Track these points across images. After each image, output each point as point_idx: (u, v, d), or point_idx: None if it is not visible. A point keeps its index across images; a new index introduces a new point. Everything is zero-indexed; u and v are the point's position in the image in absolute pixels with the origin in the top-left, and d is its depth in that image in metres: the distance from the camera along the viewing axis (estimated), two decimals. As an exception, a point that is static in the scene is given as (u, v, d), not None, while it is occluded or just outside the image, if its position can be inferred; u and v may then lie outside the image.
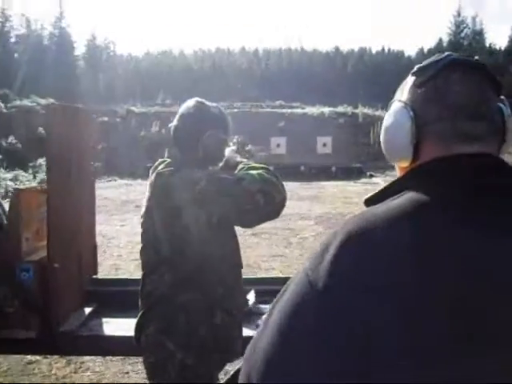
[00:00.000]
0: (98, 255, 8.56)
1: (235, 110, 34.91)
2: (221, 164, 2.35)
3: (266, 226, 10.99)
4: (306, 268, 0.92)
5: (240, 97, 48.83)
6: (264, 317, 0.96)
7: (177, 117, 2.37)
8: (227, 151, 2.42)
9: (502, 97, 1.05)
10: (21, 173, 20.07)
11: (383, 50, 74.60)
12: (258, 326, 2.75)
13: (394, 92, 1.13)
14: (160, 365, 2.16)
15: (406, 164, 1.05)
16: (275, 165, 26.10)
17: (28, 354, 4.21)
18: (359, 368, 0.82)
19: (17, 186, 16.78)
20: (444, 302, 0.81)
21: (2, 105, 28.75)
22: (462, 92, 0.99)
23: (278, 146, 27.86)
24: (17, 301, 2.95)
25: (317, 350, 0.86)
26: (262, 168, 2.23)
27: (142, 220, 2.29)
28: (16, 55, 56.40)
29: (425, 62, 1.05)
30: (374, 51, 74.61)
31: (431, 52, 66.48)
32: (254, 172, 2.17)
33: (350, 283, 0.86)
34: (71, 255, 3.16)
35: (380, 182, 22.46)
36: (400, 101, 1.06)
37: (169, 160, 2.29)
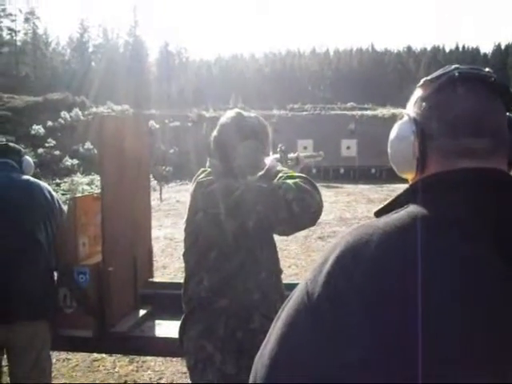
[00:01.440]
0: (166, 258, 8.86)
1: (304, 113, 34.88)
2: (260, 173, 2.39)
3: (335, 229, 10.99)
4: (307, 278, 0.95)
5: (311, 99, 48.69)
6: (273, 322, 1.00)
7: (217, 127, 2.42)
8: (269, 160, 2.46)
9: None
10: (96, 177, 20.77)
11: (457, 47, 72.53)
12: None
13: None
14: (200, 368, 2.22)
15: (411, 176, 1.06)
16: (345, 167, 26.11)
17: (86, 352, 4.42)
18: None
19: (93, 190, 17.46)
20: (426, 324, 0.81)
21: (80, 112, 29.93)
22: (464, 107, 0.98)
23: (349, 148, 27.53)
24: (75, 302, 3.13)
25: (306, 361, 0.88)
26: (299, 177, 2.24)
27: (184, 225, 2.38)
28: (93, 64, 58.53)
29: (432, 75, 1.05)
30: (447, 49, 72.66)
31: (510, 48, 64.12)
32: (290, 181, 2.18)
33: (339, 300, 0.88)
34: (126, 259, 3.29)
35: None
36: (406, 113, 1.06)
37: (209, 169, 2.35)
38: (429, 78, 1.05)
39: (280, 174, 2.32)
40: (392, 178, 23.51)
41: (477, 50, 70.11)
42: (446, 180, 0.97)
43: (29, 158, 3.35)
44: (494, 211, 0.91)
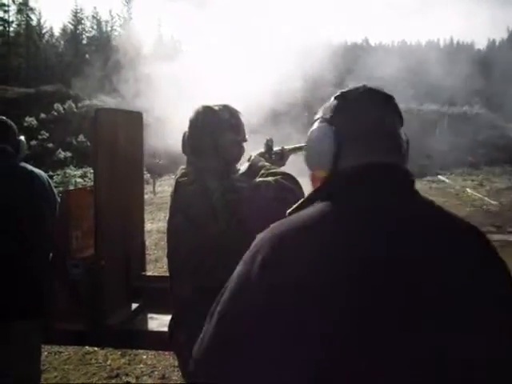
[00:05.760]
0: (159, 251, 8.84)
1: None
2: (242, 170, 2.34)
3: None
4: (240, 269, 1.11)
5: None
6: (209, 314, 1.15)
7: (188, 124, 2.34)
8: (253, 155, 2.42)
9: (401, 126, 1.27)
10: (89, 170, 20.73)
11: (452, 42, 72.55)
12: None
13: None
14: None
15: (324, 174, 1.22)
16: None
17: (78, 345, 4.42)
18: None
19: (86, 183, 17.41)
20: (332, 300, 0.97)
21: (73, 105, 29.78)
22: (371, 116, 1.21)
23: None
24: (67, 295, 3.12)
25: (241, 346, 1.02)
26: (280, 174, 2.21)
27: (167, 226, 2.34)
28: (87, 56, 58.10)
29: (345, 90, 1.27)
30: (442, 44, 72.63)
31: (503, 44, 64.07)
32: (271, 178, 2.16)
33: (268, 284, 1.02)
34: (119, 252, 3.29)
35: (445, 179, 21.89)
36: (324, 118, 1.26)
37: (189, 168, 2.29)
38: (344, 91, 1.26)
39: (262, 171, 2.28)
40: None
41: (471, 46, 70.17)
42: (351, 175, 1.15)
43: (23, 138, 3.20)
44: (393, 200, 1.11)
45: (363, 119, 1.20)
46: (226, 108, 2.34)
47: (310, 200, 1.19)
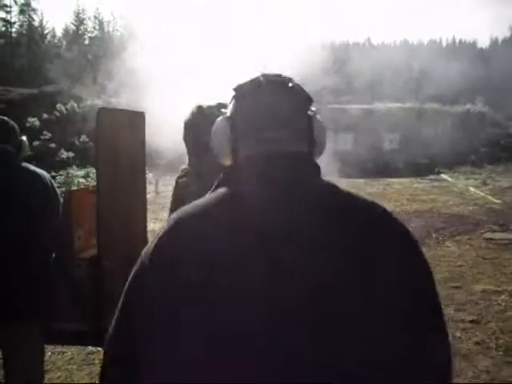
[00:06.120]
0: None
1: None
2: None
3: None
4: (142, 254, 1.19)
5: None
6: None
7: (184, 126, 2.35)
8: None
9: (314, 108, 1.31)
10: (92, 170, 20.71)
11: (454, 41, 72.41)
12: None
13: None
14: None
15: (228, 163, 1.30)
16: (341, 161, 26.06)
17: (81, 345, 4.41)
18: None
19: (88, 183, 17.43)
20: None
21: (75, 105, 29.78)
22: (267, 106, 1.24)
23: (345, 142, 27.47)
24: (70, 295, 3.12)
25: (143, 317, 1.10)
26: None
27: None
28: (89, 56, 58.17)
29: (242, 81, 1.31)
30: (444, 43, 72.50)
31: (506, 42, 63.94)
32: None
33: (161, 263, 1.12)
34: (121, 252, 3.27)
35: (448, 178, 21.85)
36: (224, 111, 1.34)
37: (189, 169, 2.31)
38: (241, 83, 1.30)
39: None
40: (387, 171, 23.57)
41: (473, 45, 69.99)
42: (244, 166, 1.22)
43: (24, 139, 3.19)
44: (283, 182, 1.17)
45: (255, 109, 1.25)
46: (221, 106, 2.31)
47: (216, 187, 1.27)
